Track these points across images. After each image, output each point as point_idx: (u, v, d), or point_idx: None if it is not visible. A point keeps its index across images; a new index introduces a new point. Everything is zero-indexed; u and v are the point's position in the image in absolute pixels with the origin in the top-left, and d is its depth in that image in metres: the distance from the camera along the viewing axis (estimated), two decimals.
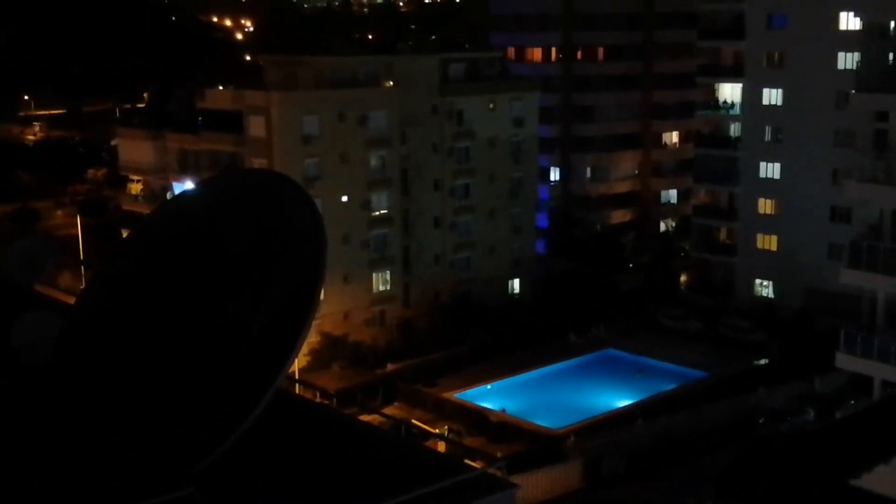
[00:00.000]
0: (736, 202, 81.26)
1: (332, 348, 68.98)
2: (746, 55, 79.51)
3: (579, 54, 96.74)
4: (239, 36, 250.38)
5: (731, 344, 71.68)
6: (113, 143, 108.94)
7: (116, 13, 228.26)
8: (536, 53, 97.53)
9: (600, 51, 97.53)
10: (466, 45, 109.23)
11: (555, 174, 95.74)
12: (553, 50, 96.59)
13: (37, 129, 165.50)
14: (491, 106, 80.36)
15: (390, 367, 68.28)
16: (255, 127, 69.64)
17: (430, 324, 74.38)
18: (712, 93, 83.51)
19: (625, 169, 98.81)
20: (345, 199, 70.82)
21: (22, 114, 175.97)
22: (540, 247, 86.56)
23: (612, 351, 72.08)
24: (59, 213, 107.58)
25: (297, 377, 62.82)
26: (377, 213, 73.47)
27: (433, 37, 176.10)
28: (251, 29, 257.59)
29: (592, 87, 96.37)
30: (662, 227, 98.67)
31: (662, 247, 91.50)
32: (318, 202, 4.50)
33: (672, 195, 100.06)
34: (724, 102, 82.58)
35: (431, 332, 73.16)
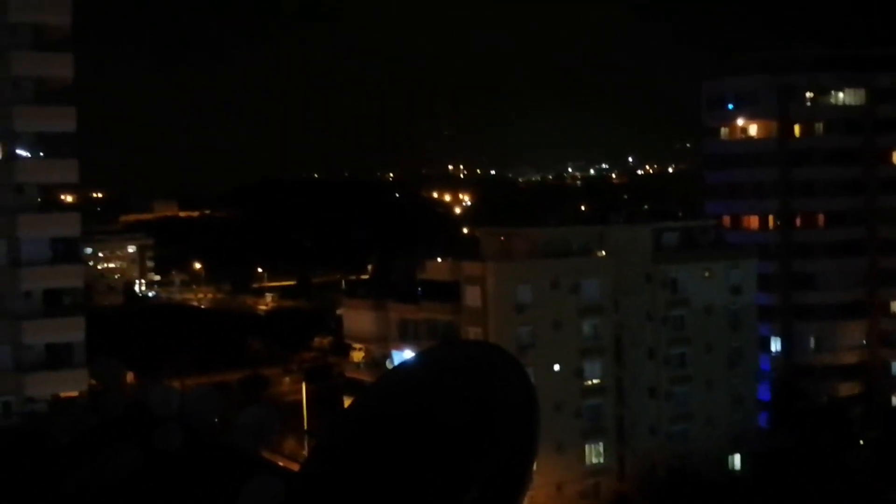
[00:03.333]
0: None
1: None
2: None
3: (798, 221, 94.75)
4: (457, 210, 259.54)
5: None
6: (338, 312, 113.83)
7: (346, 191, 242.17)
8: (753, 221, 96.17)
9: (820, 217, 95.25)
10: (680, 214, 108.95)
11: (775, 344, 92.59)
12: (770, 217, 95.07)
13: (269, 299, 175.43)
14: (706, 274, 79.38)
15: None
16: (471, 296, 71.47)
17: (646, 498, 72.06)
18: None
19: (851, 338, 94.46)
20: (557, 367, 70.89)
21: (256, 285, 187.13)
22: (762, 420, 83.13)
23: None
24: (287, 379, 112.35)
25: None
26: (590, 381, 73.00)
27: (646, 206, 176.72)
28: (469, 203, 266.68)
29: (813, 253, 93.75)
30: (894, 400, 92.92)
31: (894, 422, 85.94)
32: (530, 371, 4.81)
33: None
34: None
35: None
